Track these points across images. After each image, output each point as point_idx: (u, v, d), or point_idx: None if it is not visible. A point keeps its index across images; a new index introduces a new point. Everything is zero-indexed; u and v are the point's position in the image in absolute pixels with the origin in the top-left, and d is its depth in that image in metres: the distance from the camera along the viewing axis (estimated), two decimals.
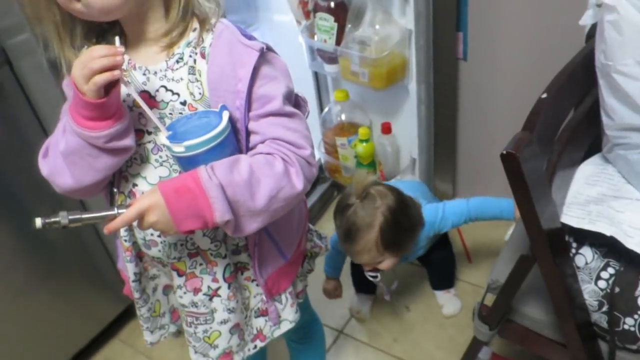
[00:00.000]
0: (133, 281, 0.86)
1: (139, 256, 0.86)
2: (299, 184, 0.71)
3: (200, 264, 0.81)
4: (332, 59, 1.56)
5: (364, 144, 1.67)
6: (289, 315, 0.92)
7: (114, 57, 0.63)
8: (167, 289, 0.93)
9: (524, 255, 0.80)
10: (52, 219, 0.64)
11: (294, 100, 0.78)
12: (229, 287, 0.83)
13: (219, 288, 0.83)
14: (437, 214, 1.31)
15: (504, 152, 0.68)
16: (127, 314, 1.60)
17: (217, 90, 0.71)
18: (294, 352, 1.23)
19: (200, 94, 0.72)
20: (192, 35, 0.72)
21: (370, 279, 1.39)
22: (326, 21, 1.49)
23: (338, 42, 1.49)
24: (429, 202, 1.37)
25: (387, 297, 1.49)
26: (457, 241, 1.69)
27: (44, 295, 1.35)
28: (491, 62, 1.52)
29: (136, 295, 0.88)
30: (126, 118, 0.70)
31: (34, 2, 0.66)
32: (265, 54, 0.71)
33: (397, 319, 1.52)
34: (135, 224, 0.76)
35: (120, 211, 0.66)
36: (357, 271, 1.52)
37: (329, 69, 1.60)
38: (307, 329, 1.14)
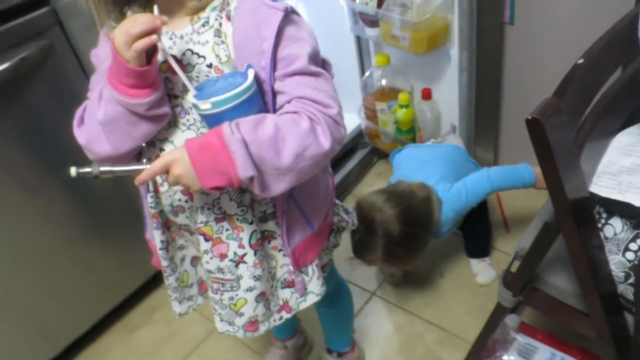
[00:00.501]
0: (160, 249, 0.87)
1: (166, 225, 0.88)
2: (326, 142, 0.70)
3: (227, 229, 0.82)
4: (373, 22, 1.55)
5: (404, 109, 1.66)
6: (315, 288, 0.93)
7: (153, 22, 0.65)
8: (195, 260, 0.95)
9: (547, 223, 0.80)
10: (85, 169, 0.68)
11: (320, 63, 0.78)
12: (255, 254, 0.83)
13: (245, 254, 0.83)
14: (459, 199, 1.32)
15: (529, 117, 0.67)
16: None
17: (242, 52, 0.72)
18: (323, 317, 1.27)
19: (226, 56, 0.73)
20: (217, 0, 0.74)
21: None
22: None
23: (380, 4, 1.48)
24: (457, 178, 1.37)
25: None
26: (496, 210, 1.68)
27: (96, 245, 1.44)
28: (539, 27, 1.46)
29: (164, 263, 0.90)
30: (162, 86, 0.72)
31: None
32: (289, 15, 0.72)
33: (429, 285, 1.54)
34: (164, 186, 0.80)
35: (148, 165, 0.70)
36: None
37: (370, 32, 1.59)
38: (334, 296, 1.16)
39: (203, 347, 1.51)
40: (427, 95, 1.63)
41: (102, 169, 0.69)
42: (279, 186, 0.71)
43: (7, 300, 1.29)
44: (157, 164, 0.68)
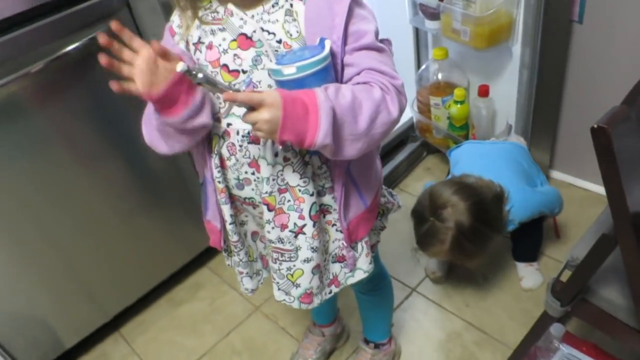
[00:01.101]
0: (230, 223, 0.90)
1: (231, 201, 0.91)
2: (394, 110, 0.75)
3: (289, 200, 0.85)
4: (434, 14, 1.52)
5: (459, 105, 1.63)
6: (363, 265, 0.95)
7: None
8: (255, 235, 0.98)
9: (605, 235, 0.77)
10: (192, 71, 0.66)
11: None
12: (314, 226, 0.86)
13: (304, 225, 0.86)
14: (539, 204, 1.31)
15: (595, 126, 0.65)
16: None
17: (314, 27, 0.76)
18: (362, 304, 1.27)
19: (297, 32, 0.77)
20: None
21: None
22: None
23: None
24: (527, 178, 1.35)
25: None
26: None
27: (149, 220, 1.50)
28: (610, 27, 1.40)
29: (234, 238, 0.93)
30: (194, 101, 0.75)
31: None
32: None
33: (472, 285, 1.52)
34: (232, 160, 0.84)
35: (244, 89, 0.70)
36: None
37: (430, 25, 1.56)
38: (376, 282, 1.17)
39: (243, 327, 1.55)
40: (484, 92, 1.59)
41: (207, 79, 0.67)
42: (350, 151, 0.75)
43: (63, 266, 1.36)
44: (257, 97, 0.68)
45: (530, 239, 1.50)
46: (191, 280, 1.72)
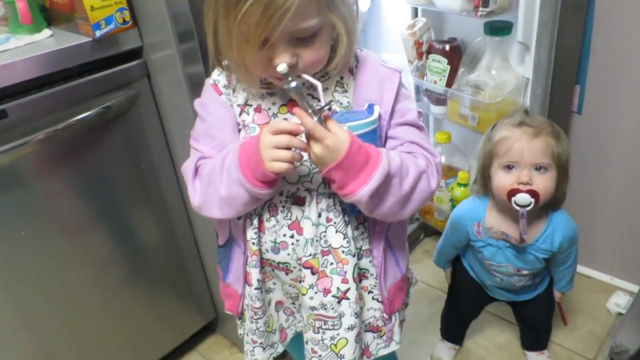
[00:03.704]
0: (256, 288, 0.87)
1: (261, 265, 0.87)
2: (433, 182, 0.78)
3: (331, 264, 0.82)
4: (440, 100, 1.56)
5: (462, 188, 1.64)
6: (396, 336, 0.93)
7: (296, 129, 0.69)
8: (279, 306, 0.94)
9: None
10: (291, 75, 0.66)
11: None
12: (356, 289, 0.84)
13: (348, 290, 0.83)
14: (572, 226, 1.25)
15: None
16: (208, 329, 1.63)
17: (363, 100, 0.79)
18: None
19: (348, 102, 0.81)
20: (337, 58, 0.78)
21: (518, 207, 1.13)
22: (439, 63, 1.50)
23: (448, 84, 1.50)
24: None
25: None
26: None
27: (133, 298, 1.37)
28: (607, 119, 1.46)
29: (257, 304, 0.89)
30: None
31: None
32: (401, 77, 0.82)
33: None
34: (271, 221, 0.82)
35: (316, 119, 0.68)
36: (450, 317, 1.48)
37: (436, 109, 1.60)
38: None
39: None
40: None
41: (295, 90, 0.67)
42: (386, 211, 0.75)
43: (31, 344, 1.21)
44: (318, 133, 0.68)
45: (540, 325, 1.45)
46: None
